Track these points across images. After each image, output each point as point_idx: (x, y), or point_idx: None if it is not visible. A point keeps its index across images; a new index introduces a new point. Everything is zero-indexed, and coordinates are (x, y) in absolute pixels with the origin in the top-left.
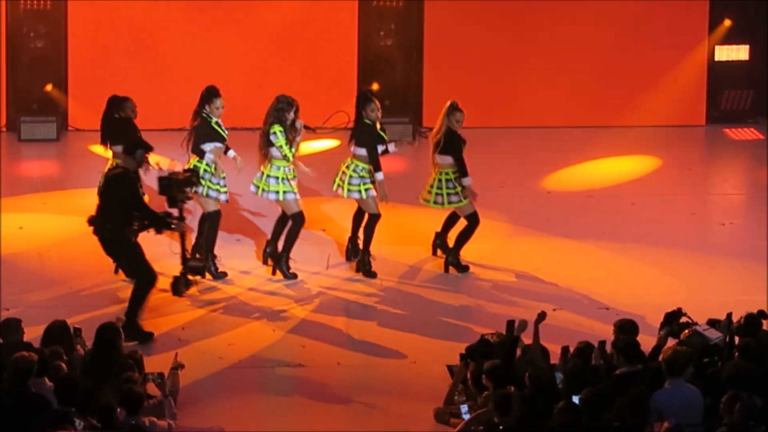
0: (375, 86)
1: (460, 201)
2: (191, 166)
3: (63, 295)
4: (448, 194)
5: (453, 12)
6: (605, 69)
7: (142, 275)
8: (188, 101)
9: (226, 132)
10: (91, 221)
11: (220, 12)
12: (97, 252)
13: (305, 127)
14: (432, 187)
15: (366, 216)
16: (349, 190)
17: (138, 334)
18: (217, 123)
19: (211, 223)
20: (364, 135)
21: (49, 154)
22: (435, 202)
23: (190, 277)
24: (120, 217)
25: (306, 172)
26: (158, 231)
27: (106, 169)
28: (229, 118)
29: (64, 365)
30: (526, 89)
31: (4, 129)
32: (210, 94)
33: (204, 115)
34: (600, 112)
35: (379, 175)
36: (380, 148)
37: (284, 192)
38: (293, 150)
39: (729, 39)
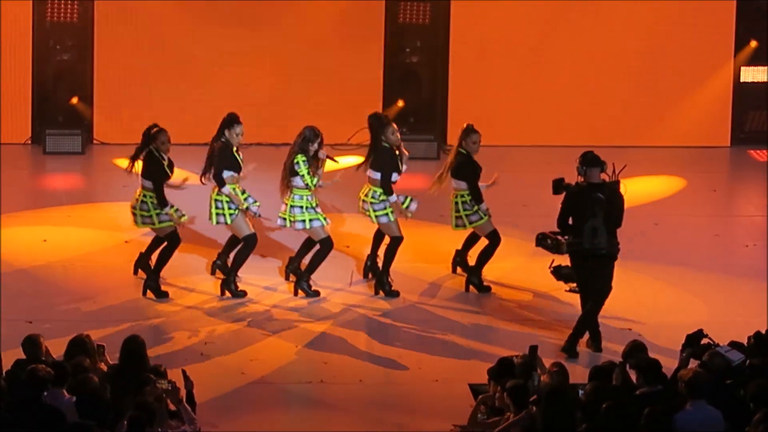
0: (400, 103)
1: (480, 219)
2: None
3: (87, 309)
4: (467, 215)
5: (479, 29)
6: (630, 89)
7: (604, 295)
8: (214, 116)
9: (242, 161)
10: (596, 242)
11: (247, 28)
12: (121, 265)
13: (328, 157)
14: (451, 211)
15: (387, 237)
16: (377, 216)
17: (575, 351)
18: (236, 151)
19: (246, 244)
20: (382, 159)
21: (74, 167)
22: (456, 225)
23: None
24: (614, 231)
25: (335, 181)
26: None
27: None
28: (255, 134)
29: (95, 378)
30: (551, 108)
31: (30, 142)
32: (231, 119)
33: (224, 140)
34: (624, 132)
35: (392, 198)
36: (395, 176)
37: (310, 220)
38: (315, 180)
39: (755, 60)
